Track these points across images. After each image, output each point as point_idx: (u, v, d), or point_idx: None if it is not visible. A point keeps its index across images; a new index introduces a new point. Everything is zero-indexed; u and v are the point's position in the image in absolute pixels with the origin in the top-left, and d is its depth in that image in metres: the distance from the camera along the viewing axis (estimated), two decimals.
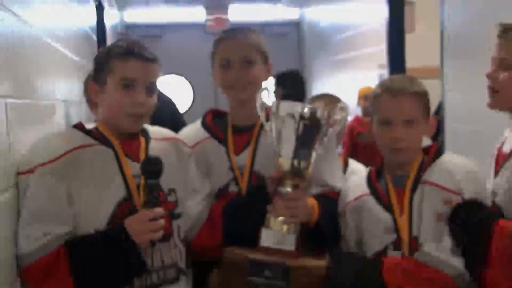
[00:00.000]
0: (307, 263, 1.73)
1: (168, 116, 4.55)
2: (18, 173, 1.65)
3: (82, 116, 2.76)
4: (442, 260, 1.69)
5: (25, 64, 1.81)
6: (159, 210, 1.66)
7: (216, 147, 1.99)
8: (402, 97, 1.82)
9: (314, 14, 7.78)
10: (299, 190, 1.78)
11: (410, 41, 4.05)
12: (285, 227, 1.76)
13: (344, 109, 1.81)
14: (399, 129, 1.81)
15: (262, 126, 1.95)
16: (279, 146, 1.76)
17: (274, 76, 5.05)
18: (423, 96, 1.84)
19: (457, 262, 1.68)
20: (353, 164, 2.53)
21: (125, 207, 1.70)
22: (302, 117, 1.72)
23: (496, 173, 1.71)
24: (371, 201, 1.87)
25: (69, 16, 2.86)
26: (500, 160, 1.71)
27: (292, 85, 4.17)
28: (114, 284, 1.67)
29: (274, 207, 1.77)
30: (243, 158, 1.96)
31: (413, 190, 1.82)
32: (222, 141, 1.99)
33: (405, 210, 1.80)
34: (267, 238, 1.76)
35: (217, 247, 1.84)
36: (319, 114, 1.74)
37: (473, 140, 3.04)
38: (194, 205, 1.89)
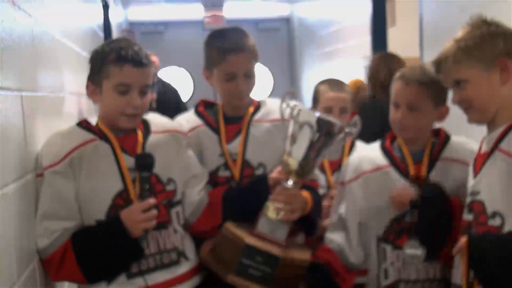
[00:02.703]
0: (295, 256, 1.78)
1: (173, 102, 4.56)
2: (36, 175, 1.68)
3: (92, 108, 2.75)
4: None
5: (38, 59, 1.80)
6: (150, 201, 1.67)
7: (209, 134, 2.00)
8: (408, 84, 1.89)
9: (303, 10, 7.75)
10: (298, 188, 1.82)
11: (392, 34, 4.05)
12: (280, 216, 1.78)
13: (356, 124, 1.81)
14: (403, 112, 1.88)
15: (251, 117, 2.01)
16: (291, 146, 1.78)
17: None
18: (429, 85, 1.86)
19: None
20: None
21: (122, 199, 1.70)
22: (319, 128, 1.74)
23: (476, 174, 1.68)
24: (393, 172, 1.91)
25: (78, 15, 2.84)
26: (479, 161, 1.69)
27: None
28: (116, 269, 1.70)
29: (275, 196, 1.80)
30: (234, 146, 1.98)
31: (430, 166, 1.88)
32: (215, 129, 2.01)
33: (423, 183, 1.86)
34: (263, 225, 1.79)
35: (215, 229, 1.87)
36: (335, 129, 1.77)
37: (451, 123, 3.05)
38: (196, 192, 1.89)
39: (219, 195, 1.91)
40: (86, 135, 1.74)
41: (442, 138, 1.94)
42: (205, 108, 2.08)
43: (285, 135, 1.93)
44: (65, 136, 1.74)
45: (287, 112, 1.81)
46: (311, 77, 7.28)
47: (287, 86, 8.42)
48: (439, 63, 1.70)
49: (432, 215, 1.79)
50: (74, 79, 2.45)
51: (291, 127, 1.79)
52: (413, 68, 1.97)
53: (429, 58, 3.30)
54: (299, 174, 1.79)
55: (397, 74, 1.95)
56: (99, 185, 1.70)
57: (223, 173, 1.98)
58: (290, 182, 1.80)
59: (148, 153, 1.75)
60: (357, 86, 4.61)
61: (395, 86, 1.93)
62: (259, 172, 1.97)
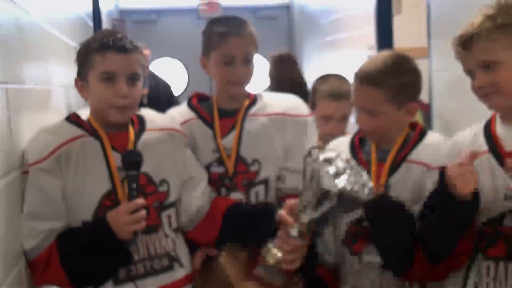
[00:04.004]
0: None
1: (165, 98, 4.56)
2: (22, 172, 1.67)
3: (81, 101, 2.75)
4: None
5: (24, 50, 1.80)
6: (138, 202, 1.65)
7: (203, 129, 2.00)
8: (361, 86, 1.79)
9: None
10: (303, 240, 1.72)
11: (398, 22, 4.04)
12: (279, 265, 1.72)
13: (370, 190, 1.66)
14: (362, 116, 1.81)
15: (246, 111, 2.01)
16: (306, 204, 1.68)
17: None
18: (386, 85, 1.75)
19: None
20: None
21: (109, 200, 1.69)
22: (340, 202, 1.62)
23: None
24: None
25: (66, 3, 2.83)
26: None
27: None
28: (103, 274, 1.69)
29: (278, 244, 1.72)
30: (228, 141, 1.98)
31: (393, 168, 1.80)
32: (209, 123, 2.00)
33: (381, 185, 1.80)
34: (261, 268, 1.75)
35: (211, 242, 1.87)
36: (358, 203, 1.65)
37: (459, 116, 3.05)
38: (194, 199, 1.87)
39: (221, 209, 1.88)
40: (75, 131, 1.73)
41: (415, 136, 1.84)
42: (199, 101, 2.08)
43: (281, 130, 1.96)
44: (53, 132, 1.73)
45: (309, 173, 1.69)
46: (311, 68, 7.27)
47: None
48: (467, 40, 1.57)
49: None
50: (62, 71, 2.45)
51: (311, 187, 1.67)
52: (369, 64, 1.81)
53: (437, 48, 3.30)
54: (309, 230, 1.71)
55: (355, 73, 1.84)
56: (86, 184, 1.69)
57: (216, 169, 1.98)
58: (295, 232, 1.71)
59: (136, 150, 1.73)
60: None
61: (353, 86, 1.83)
62: (254, 168, 1.97)
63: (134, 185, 1.67)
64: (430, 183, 1.70)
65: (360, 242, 1.82)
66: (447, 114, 3.30)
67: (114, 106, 1.72)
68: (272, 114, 2.01)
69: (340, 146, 1.93)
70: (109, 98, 1.71)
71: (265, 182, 1.99)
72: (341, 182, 1.61)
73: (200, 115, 2.03)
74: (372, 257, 1.79)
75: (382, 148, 1.85)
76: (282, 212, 1.74)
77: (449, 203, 1.55)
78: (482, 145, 1.60)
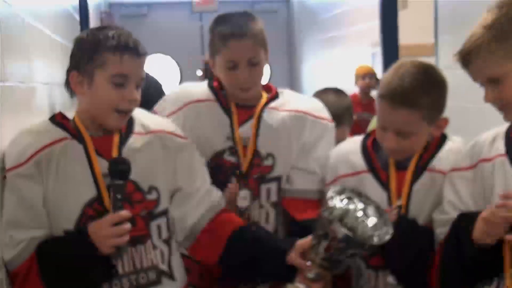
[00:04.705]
0: None
1: (155, 98, 4.54)
2: (3, 177, 1.65)
3: (66, 99, 2.73)
4: None
5: (5, 45, 1.78)
6: (122, 214, 1.61)
7: (219, 114, 2.03)
8: (394, 109, 1.72)
9: None
10: (323, 280, 1.67)
11: (403, 17, 4.05)
12: None
13: (388, 232, 1.63)
14: (391, 137, 1.76)
15: (265, 104, 2.03)
16: (317, 245, 1.65)
17: None
18: (421, 104, 1.71)
19: None
20: None
21: (94, 209, 1.66)
22: (347, 245, 1.59)
23: None
24: (370, 180, 1.84)
25: None
26: None
27: None
28: None
29: (296, 284, 1.67)
30: (244, 131, 2.00)
31: (415, 175, 1.79)
32: (226, 109, 2.03)
33: (404, 195, 1.78)
34: None
35: (211, 263, 1.84)
36: (366, 245, 1.62)
37: (467, 115, 3.06)
38: (190, 213, 1.82)
39: (227, 230, 1.82)
40: (58, 133, 1.71)
41: (436, 141, 1.83)
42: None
43: (301, 128, 1.98)
44: (34, 133, 1.71)
45: (325, 214, 1.63)
46: (312, 65, 7.28)
47: (285, 75, 8.42)
48: (467, 56, 1.53)
49: None
50: (46, 68, 2.44)
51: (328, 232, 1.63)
52: (397, 82, 1.73)
53: (445, 44, 3.31)
54: (327, 268, 1.67)
55: (381, 90, 1.78)
56: (68, 191, 1.66)
57: (229, 158, 1.99)
58: (312, 275, 1.66)
59: (124, 158, 1.70)
60: (364, 73, 4.61)
61: (379, 106, 1.78)
62: (267, 162, 1.98)
63: (119, 196, 1.63)
64: (448, 188, 1.70)
65: (377, 255, 1.77)
66: (455, 113, 3.30)
67: (118, 110, 1.70)
68: (293, 111, 2.02)
69: (351, 150, 1.91)
70: (116, 101, 1.69)
71: (278, 179, 2.00)
72: (350, 225, 1.60)
73: (218, 99, 2.05)
74: (390, 275, 1.78)
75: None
76: (293, 256, 1.70)
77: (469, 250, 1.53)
78: (501, 148, 1.59)
